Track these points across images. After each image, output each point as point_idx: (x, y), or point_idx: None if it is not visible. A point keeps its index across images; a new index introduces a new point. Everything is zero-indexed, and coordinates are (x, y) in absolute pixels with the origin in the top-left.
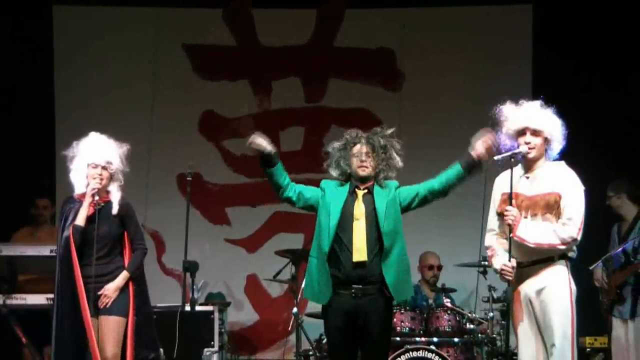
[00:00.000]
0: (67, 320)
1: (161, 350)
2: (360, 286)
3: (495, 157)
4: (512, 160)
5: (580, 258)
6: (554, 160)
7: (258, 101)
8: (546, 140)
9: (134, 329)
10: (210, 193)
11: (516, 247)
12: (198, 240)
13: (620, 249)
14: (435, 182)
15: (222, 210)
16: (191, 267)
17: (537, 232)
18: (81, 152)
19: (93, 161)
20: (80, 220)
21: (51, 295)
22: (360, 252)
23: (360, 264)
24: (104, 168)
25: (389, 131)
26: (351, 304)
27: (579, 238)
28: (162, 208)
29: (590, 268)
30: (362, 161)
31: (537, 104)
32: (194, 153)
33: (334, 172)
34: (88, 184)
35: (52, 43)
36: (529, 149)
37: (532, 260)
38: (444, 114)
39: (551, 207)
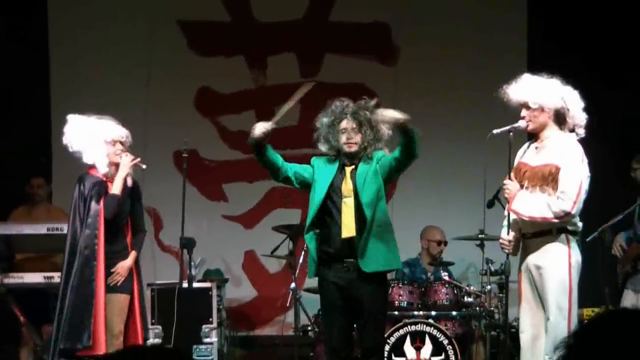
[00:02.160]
0: (70, 295)
1: (159, 327)
2: (352, 260)
3: (494, 131)
4: (511, 134)
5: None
6: (574, 131)
7: (254, 77)
8: (543, 110)
9: (140, 308)
10: (207, 169)
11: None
12: (195, 217)
13: (619, 217)
14: (396, 153)
15: (219, 187)
16: (188, 244)
17: (532, 205)
18: (95, 131)
19: (112, 137)
20: (117, 190)
21: (49, 274)
22: (348, 228)
23: (350, 240)
24: (122, 143)
25: (373, 102)
26: (345, 278)
27: (573, 212)
28: (159, 185)
29: (587, 240)
30: (348, 138)
31: (528, 76)
32: (190, 129)
33: (323, 147)
34: (110, 163)
35: (47, 20)
36: (527, 122)
37: (534, 231)
38: (440, 88)
39: (546, 179)
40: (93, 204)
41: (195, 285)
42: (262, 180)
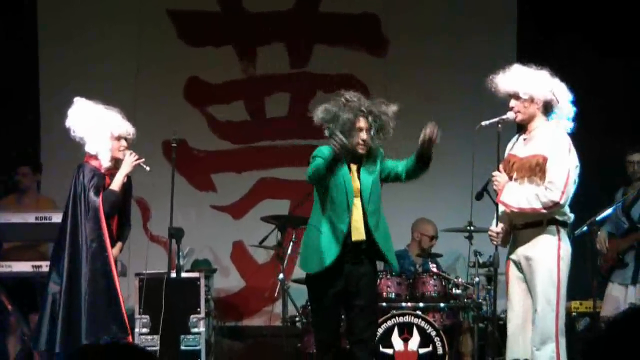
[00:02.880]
0: (84, 288)
1: (147, 317)
2: (354, 254)
3: (483, 123)
4: (499, 125)
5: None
6: (563, 121)
7: (243, 67)
8: (533, 101)
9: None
10: (196, 159)
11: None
12: (183, 207)
13: (606, 212)
14: (402, 167)
15: (208, 177)
16: (177, 234)
17: (520, 196)
18: (102, 124)
19: (119, 133)
20: (117, 186)
21: (37, 263)
22: (358, 230)
23: (359, 242)
24: (126, 140)
25: (392, 108)
26: (348, 270)
27: (562, 202)
28: (147, 175)
29: (575, 232)
30: (364, 140)
31: (518, 67)
32: (179, 119)
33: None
34: (112, 157)
35: (37, 10)
36: (515, 113)
37: (524, 223)
38: (430, 78)
39: (533, 169)
40: (92, 196)
41: (184, 275)
42: (251, 171)
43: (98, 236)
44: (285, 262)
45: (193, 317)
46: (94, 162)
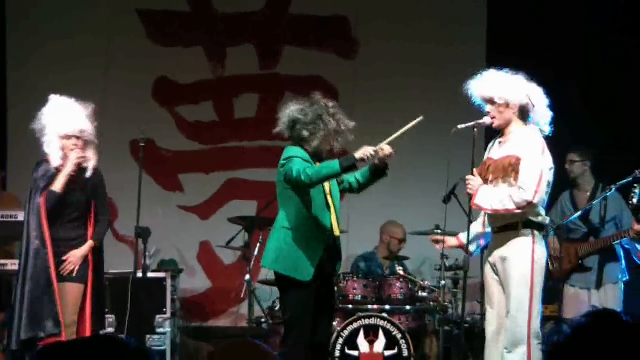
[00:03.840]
0: (27, 285)
1: (113, 316)
2: (330, 252)
3: (459, 127)
4: (475, 130)
5: None
6: (539, 125)
7: (212, 68)
8: (508, 106)
9: (92, 298)
10: (164, 159)
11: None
12: (151, 207)
13: (572, 217)
14: (355, 180)
15: (175, 177)
16: (143, 233)
17: (494, 197)
18: (51, 123)
19: (66, 132)
20: (59, 187)
21: (3, 261)
22: (335, 228)
23: (334, 238)
24: (77, 137)
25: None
26: (327, 273)
27: (535, 201)
28: (115, 174)
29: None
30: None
31: (493, 72)
32: (147, 119)
33: (314, 143)
34: (65, 156)
35: (4, 5)
36: (492, 118)
37: (500, 225)
38: (399, 81)
39: (506, 170)
40: (36, 195)
41: (150, 275)
42: (219, 172)
43: (40, 234)
44: (252, 263)
45: (159, 317)
46: (49, 161)
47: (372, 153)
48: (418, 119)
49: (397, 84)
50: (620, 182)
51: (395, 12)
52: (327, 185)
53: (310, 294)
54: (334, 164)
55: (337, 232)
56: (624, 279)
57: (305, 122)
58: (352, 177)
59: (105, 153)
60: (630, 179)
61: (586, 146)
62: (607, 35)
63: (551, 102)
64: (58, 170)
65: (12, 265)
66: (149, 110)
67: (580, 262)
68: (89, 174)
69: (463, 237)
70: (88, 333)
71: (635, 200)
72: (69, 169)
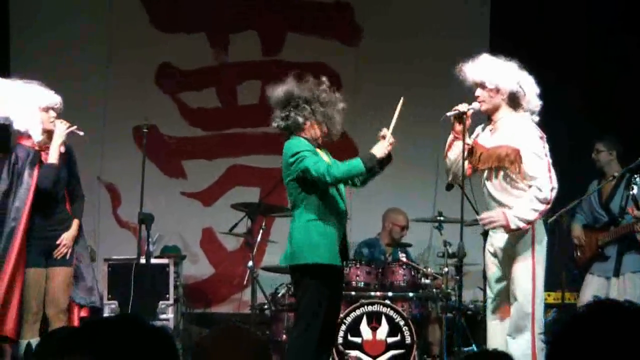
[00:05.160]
0: None
1: (115, 302)
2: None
3: (448, 113)
4: (465, 116)
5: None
6: (532, 112)
7: (215, 54)
8: (499, 91)
9: (75, 275)
10: (167, 146)
11: (490, 201)
12: (154, 193)
13: (576, 202)
14: None
15: (179, 163)
16: (146, 220)
17: (524, 212)
18: (27, 99)
19: (47, 104)
20: (54, 159)
21: None
22: (346, 213)
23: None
24: (54, 110)
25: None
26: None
27: (554, 194)
28: (118, 160)
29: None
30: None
31: (486, 56)
32: (150, 105)
33: (318, 131)
34: (44, 130)
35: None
36: (479, 102)
37: None
38: (402, 68)
39: (501, 160)
40: (26, 175)
41: (153, 261)
42: (222, 158)
43: (19, 216)
44: (255, 249)
45: (162, 304)
46: (25, 142)
47: (389, 146)
48: (401, 100)
49: (398, 69)
50: (629, 166)
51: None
52: None
53: (336, 279)
54: (358, 165)
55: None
56: None
57: (296, 104)
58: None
59: (108, 139)
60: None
61: (613, 140)
62: (608, 36)
63: (552, 103)
64: (40, 149)
65: None
66: (152, 97)
67: (600, 250)
68: (62, 149)
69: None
70: (76, 311)
71: (635, 191)
72: (59, 139)
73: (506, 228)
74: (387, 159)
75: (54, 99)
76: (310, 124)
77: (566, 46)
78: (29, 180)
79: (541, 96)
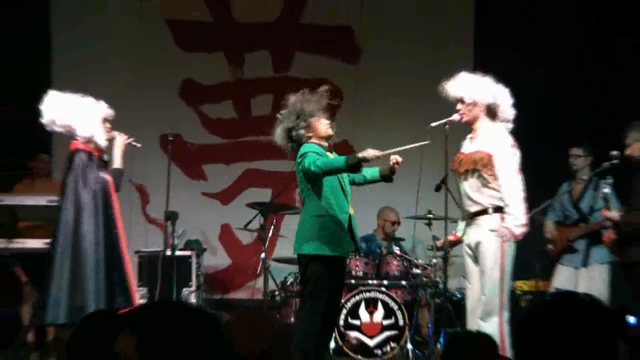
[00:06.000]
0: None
1: (145, 289)
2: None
3: (432, 124)
4: (447, 127)
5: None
6: (507, 121)
7: (232, 71)
8: (476, 104)
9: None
10: (189, 151)
11: (466, 200)
12: (178, 193)
13: (548, 202)
14: (360, 176)
15: (200, 167)
16: (172, 217)
17: (518, 215)
18: (91, 110)
19: (105, 115)
20: (120, 164)
21: (48, 240)
22: (350, 208)
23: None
24: (109, 122)
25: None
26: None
27: (522, 193)
28: (147, 164)
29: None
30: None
31: (464, 74)
32: (175, 116)
33: (330, 132)
34: (106, 137)
35: (49, 20)
36: (460, 115)
37: (474, 211)
38: (398, 82)
39: (476, 163)
40: (101, 175)
41: (178, 253)
42: (238, 162)
43: (111, 211)
44: (267, 243)
45: (185, 290)
46: (85, 147)
47: (376, 155)
48: (424, 142)
49: (395, 85)
50: (596, 170)
51: (393, 23)
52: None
53: (342, 270)
54: (341, 160)
55: (351, 212)
56: (610, 260)
57: (293, 125)
58: (360, 175)
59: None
60: (608, 164)
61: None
62: (598, 36)
63: (542, 102)
64: (96, 157)
65: None
66: (177, 109)
67: (570, 243)
68: (105, 157)
69: (458, 231)
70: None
71: (607, 190)
72: (121, 148)
73: (515, 238)
74: (389, 177)
75: (110, 111)
76: (309, 129)
77: (557, 47)
78: (106, 178)
79: (532, 96)
